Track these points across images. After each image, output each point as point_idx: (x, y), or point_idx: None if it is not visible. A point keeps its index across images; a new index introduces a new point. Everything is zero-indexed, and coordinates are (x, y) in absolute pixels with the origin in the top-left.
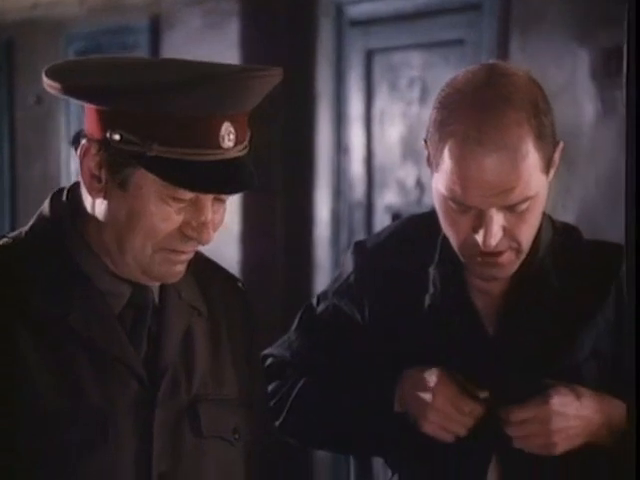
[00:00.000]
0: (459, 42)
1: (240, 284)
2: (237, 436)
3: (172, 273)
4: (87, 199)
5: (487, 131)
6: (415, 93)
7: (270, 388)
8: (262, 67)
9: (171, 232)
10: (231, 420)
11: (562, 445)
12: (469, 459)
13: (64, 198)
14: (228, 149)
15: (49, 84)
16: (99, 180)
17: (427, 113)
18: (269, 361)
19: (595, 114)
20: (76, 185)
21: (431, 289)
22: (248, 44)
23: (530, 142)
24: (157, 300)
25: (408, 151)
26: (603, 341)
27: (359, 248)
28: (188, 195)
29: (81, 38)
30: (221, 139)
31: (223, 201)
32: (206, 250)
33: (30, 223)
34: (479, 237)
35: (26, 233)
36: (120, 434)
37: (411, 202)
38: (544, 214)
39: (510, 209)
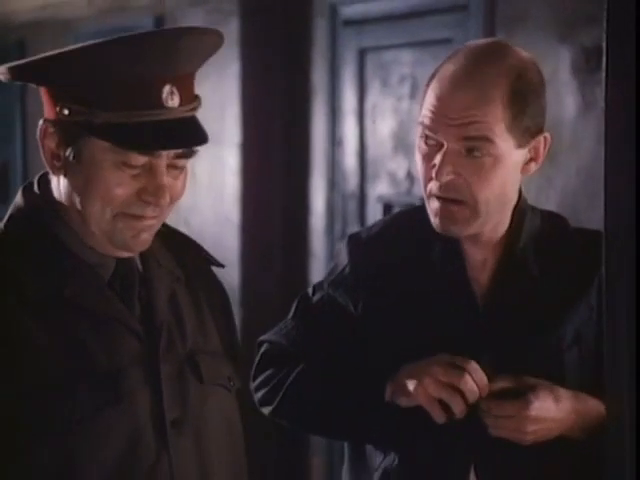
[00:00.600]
0: (447, 41)
1: (205, 253)
2: (232, 383)
3: (138, 242)
4: (54, 182)
5: (466, 72)
6: (405, 89)
7: (266, 374)
8: (195, 27)
9: (128, 197)
10: (224, 369)
11: (533, 440)
12: (454, 447)
13: (36, 188)
14: (173, 109)
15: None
16: (59, 158)
17: (417, 108)
18: (265, 347)
19: (576, 109)
20: (45, 174)
21: (432, 272)
22: (247, 42)
23: (501, 96)
24: (141, 269)
25: (399, 144)
26: (586, 328)
27: (353, 240)
28: (140, 160)
29: (89, 37)
30: (164, 100)
31: (179, 168)
32: (208, 238)
33: (7, 216)
34: (434, 171)
35: (6, 225)
36: (132, 389)
37: (402, 193)
38: (528, 205)
39: (468, 151)
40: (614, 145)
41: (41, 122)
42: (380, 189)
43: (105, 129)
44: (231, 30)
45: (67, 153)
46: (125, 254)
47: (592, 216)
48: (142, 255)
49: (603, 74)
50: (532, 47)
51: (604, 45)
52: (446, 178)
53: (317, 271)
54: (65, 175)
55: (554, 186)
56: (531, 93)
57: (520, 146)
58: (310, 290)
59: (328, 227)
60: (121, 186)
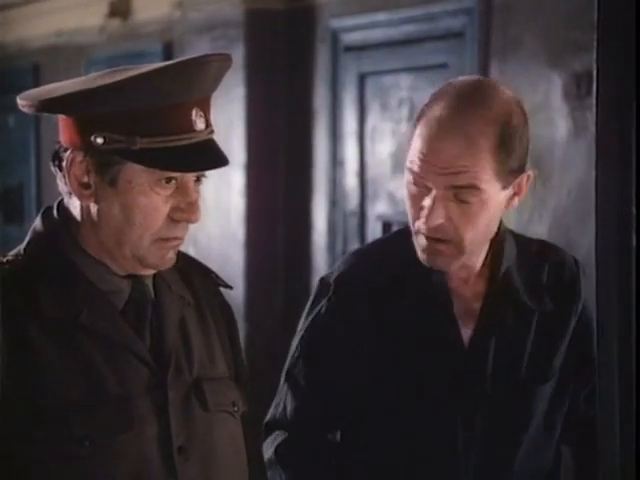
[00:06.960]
0: (443, 66)
1: (214, 275)
2: (236, 409)
3: (166, 260)
4: (76, 208)
5: (453, 120)
6: (404, 112)
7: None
8: (217, 54)
9: (163, 221)
10: (229, 395)
11: None
12: None
13: (55, 213)
14: (201, 131)
15: (24, 104)
16: (87, 186)
17: None
18: (278, 438)
19: (567, 132)
20: (63, 200)
21: (413, 306)
22: (252, 67)
23: (489, 145)
24: (153, 295)
25: (398, 165)
26: (558, 359)
27: (325, 282)
28: (173, 177)
29: (101, 62)
30: (193, 123)
31: (201, 181)
32: (214, 255)
33: (26, 240)
34: (424, 214)
35: (25, 249)
36: (141, 416)
37: (400, 212)
38: (509, 231)
39: (457, 197)
40: (604, 167)
41: (68, 152)
42: (379, 208)
43: (143, 155)
44: (236, 55)
45: (99, 179)
46: (150, 271)
47: (583, 235)
48: (154, 279)
49: (593, 99)
50: (525, 73)
51: (594, 71)
52: (436, 222)
53: None
54: (96, 202)
55: (547, 206)
56: (516, 138)
57: (505, 187)
58: (295, 352)
59: (330, 244)
60: (157, 210)
